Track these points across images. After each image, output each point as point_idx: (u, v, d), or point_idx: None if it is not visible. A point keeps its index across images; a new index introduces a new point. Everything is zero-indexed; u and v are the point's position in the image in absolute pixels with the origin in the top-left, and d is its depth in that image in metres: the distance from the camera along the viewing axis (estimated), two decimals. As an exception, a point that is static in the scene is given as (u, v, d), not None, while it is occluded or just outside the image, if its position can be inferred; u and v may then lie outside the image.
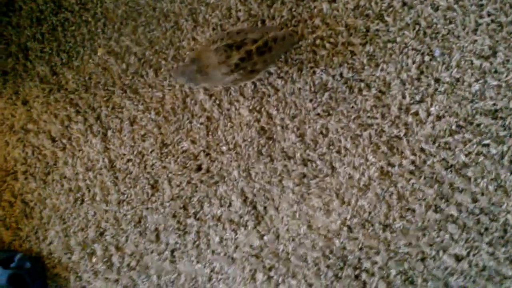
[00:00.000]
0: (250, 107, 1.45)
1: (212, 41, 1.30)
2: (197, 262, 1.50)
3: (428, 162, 1.27)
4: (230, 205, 1.47)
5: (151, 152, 1.57)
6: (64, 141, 1.70)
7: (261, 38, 1.24)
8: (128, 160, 1.60)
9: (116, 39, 1.65)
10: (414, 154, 1.28)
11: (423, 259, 1.27)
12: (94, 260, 1.64)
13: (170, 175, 1.54)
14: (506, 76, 1.21)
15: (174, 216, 1.53)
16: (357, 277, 1.33)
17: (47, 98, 1.73)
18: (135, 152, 1.59)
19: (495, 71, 1.22)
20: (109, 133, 1.63)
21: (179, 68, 1.39)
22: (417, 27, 1.30)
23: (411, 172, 1.28)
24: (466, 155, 1.24)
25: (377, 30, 1.34)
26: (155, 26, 1.61)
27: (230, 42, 1.24)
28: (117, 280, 1.60)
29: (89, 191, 1.65)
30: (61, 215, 1.69)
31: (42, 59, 1.75)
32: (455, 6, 1.27)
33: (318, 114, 1.38)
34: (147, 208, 1.57)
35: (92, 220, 1.64)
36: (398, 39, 1.32)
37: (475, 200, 1.23)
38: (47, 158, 1.72)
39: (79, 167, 1.67)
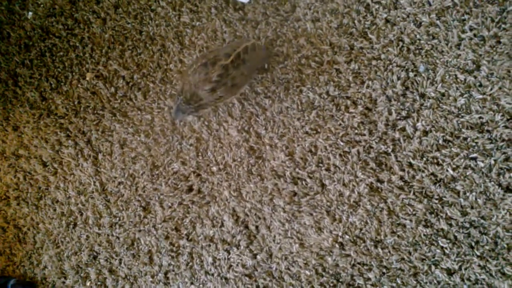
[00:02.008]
0: (239, 127, 1.44)
1: (188, 67, 1.29)
2: (191, 283, 1.48)
3: (417, 177, 1.25)
4: (222, 225, 1.45)
5: (142, 174, 1.55)
6: (55, 165, 1.68)
7: (233, 51, 1.23)
8: (120, 183, 1.58)
9: (104, 63, 1.64)
10: (403, 170, 1.27)
11: (415, 274, 1.25)
12: (88, 284, 1.61)
13: (161, 196, 1.52)
14: (491, 89, 1.20)
15: (166, 237, 1.51)
16: (350, 294, 1.31)
17: (37, 123, 1.71)
18: (126, 175, 1.57)
19: (480, 85, 1.21)
20: (100, 156, 1.61)
21: (171, 111, 1.39)
22: (400, 43, 1.29)
23: (400, 188, 1.27)
24: (454, 169, 1.22)
25: (361, 48, 1.33)
26: (142, 50, 1.59)
27: (205, 60, 1.23)
28: (111, 304, 1.57)
29: (82, 214, 1.63)
30: (54, 239, 1.67)
31: (32, 85, 1.73)
32: (438, 22, 1.26)
33: (307, 132, 1.37)
34: (140, 231, 1.54)
35: (85, 243, 1.62)
36: (383, 56, 1.30)
37: (464, 214, 1.21)
38: (39, 183, 1.70)
39: (71, 191, 1.64)
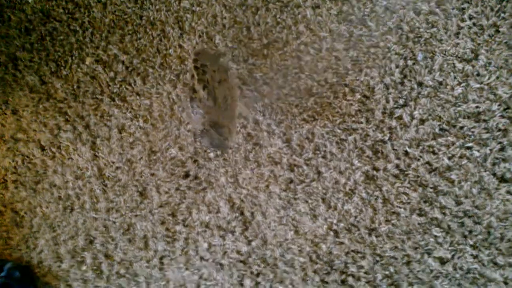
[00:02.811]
0: (237, 113, 1.47)
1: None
2: (186, 269, 1.51)
3: (413, 166, 1.29)
4: (218, 211, 1.49)
5: (139, 159, 1.59)
6: (54, 149, 1.71)
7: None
8: (117, 168, 1.62)
9: (104, 47, 1.67)
10: (399, 158, 1.30)
11: (408, 263, 1.28)
12: (83, 268, 1.65)
13: (158, 182, 1.56)
14: (488, 78, 1.23)
15: (162, 223, 1.55)
16: (343, 282, 1.34)
17: (36, 107, 1.75)
18: (123, 160, 1.61)
19: (478, 74, 1.24)
20: (98, 141, 1.65)
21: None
22: (399, 31, 1.32)
23: (396, 176, 1.30)
24: (449, 158, 1.25)
25: (360, 35, 1.36)
26: (142, 35, 1.63)
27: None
28: (106, 288, 1.62)
29: (79, 199, 1.67)
30: (51, 223, 1.71)
31: (31, 68, 1.77)
32: (437, 10, 1.29)
33: (304, 119, 1.40)
34: (136, 216, 1.58)
35: (81, 228, 1.66)
36: (381, 44, 1.34)
37: (459, 203, 1.24)
38: (37, 167, 1.74)
39: (69, 176, 1.68)
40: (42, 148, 1.73)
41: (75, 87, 1.70)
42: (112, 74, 1.65)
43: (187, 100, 1.27)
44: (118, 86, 1.64)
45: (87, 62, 1.69)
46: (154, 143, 1.57)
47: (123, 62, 1.64)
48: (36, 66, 1.76)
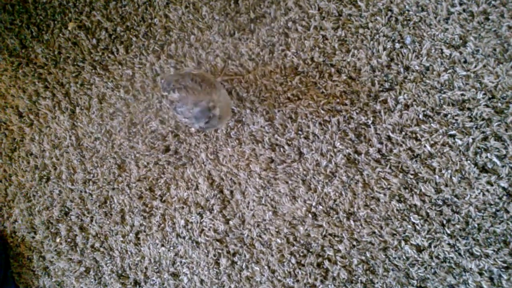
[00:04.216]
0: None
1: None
2: (162, 245, 1.58)
3: (395, 151, 1.34)
4: (196, 188, 1.54)
5: (119, 131, 1.64)
6: (32, 117, 1.76)
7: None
8: (96, 139, 1.67)
9: (88, 13, 1.71)
10: (381, 143, 1.35)
11: (385, 249, 1.34)
12: (58, 240, 1.71)
13: (137, 155, 1.61)
14: (475, 66, 1.27)
15: (140, 197, 1.60)
16: (319, 265, 1.41)
17: (15, 71, 1.79)
18: (103, 131, 1.66)
19: (465, 61, 1.29)
20: (77, 110, 1.70)
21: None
22: (389, 13, 1.37)
23: (377, 161, 1.36)
24: (431, 145, 1.31)
25: (350, 15, 1.41)
26: (127, 2, 1.66)
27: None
28: (80, 261, 1.68)
29: (55, 169, 1.72)
30: (26, 192, 1.76)
31: (12, 31, 1.80)
32: (429, -6, 1.34)
33: (288, 98, 1.45)
34: (113, 189, 1.64)
35: (57, 199, 1.71)
36: (370, 25, 1.38)
37: (438, 191, 1.30)
38: (14, 134, 1.78)
39: (46, 144, 1.73)
40: (20, 115, 1.78)
41: (56, 52, 1.74)
42: (94, 41, 1.69)
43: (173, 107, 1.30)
44: (100, 54, 1.68)
45: (69, 28, 1.73)
46: (134, 115, 1.62)
47: (106, 29, 1.68)
48: (17, 29, 1.80)
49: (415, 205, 1.32)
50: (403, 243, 1.33)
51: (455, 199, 1.29)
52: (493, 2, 1.27)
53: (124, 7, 1.66)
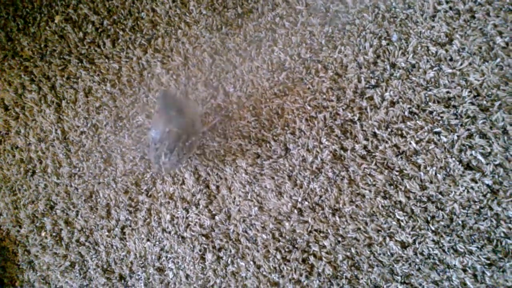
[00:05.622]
0: (207, 83, 1.53)
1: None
2: (147, 240, 1.59)
3: (380, 148, 1.36)
4: (183, 182, 1.56)
5: (105, 125, 1.65)
6: (17, 110, 1.77)
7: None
8: (82, 133, 1.68)
9: (74, 6, 1.72)
10: (367, 139, 1.37)
11: (370, 245, 1.36)
12: (43, 234, 1.72)
13: (123, 149, 1.62)
14: (461, 64, 1.29)
15: (126, 192, 1.62)
16: (304, 260, 1.43)
17: (1, 64, 1.79)
18: (89, 125, 1.67)
19: (450, 59, 1.31)
20: (63, 103, 1.70)
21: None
22: (376, 10, 1.39)
23: (363, 157, 1.37)
24: (417, 142, 1.33)
25: (337, 11, 1.42)
26: (114, -5, 1.68)
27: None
28: (65, 256, 1.69)
29: (41, 162, 1.73)
30: (12, 186, 1.77)
31: (-3, 23, 1.81)
32: (416, -9, 1.36)
33: (275, 94, 1.47)
34: (99, 183, 1.65)
35: (42, 193, 1.72)
36: (357, 22, 1.40)
37: (423, 188, 1.32)
38: (-1, 127, 1.79)
39: (32, 138, 1.74)
40: (6, 108, 1.78)
41: (42, 45, 1.74)
42: (81, 34, 1.70)
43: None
44: (86, 47, 1.69)
45: (56, 21, 1.73)
46: (121, 109, 1.63)
47: (93, 22, 1.69)
48: (3, 22, 1.80)
49: (400, 202, 1.34)
50: (387, 239, 1.35)
51: (440, 196, 1.31)
52: (479, 0, 1.29)
53: (111, 1, 1.67)
